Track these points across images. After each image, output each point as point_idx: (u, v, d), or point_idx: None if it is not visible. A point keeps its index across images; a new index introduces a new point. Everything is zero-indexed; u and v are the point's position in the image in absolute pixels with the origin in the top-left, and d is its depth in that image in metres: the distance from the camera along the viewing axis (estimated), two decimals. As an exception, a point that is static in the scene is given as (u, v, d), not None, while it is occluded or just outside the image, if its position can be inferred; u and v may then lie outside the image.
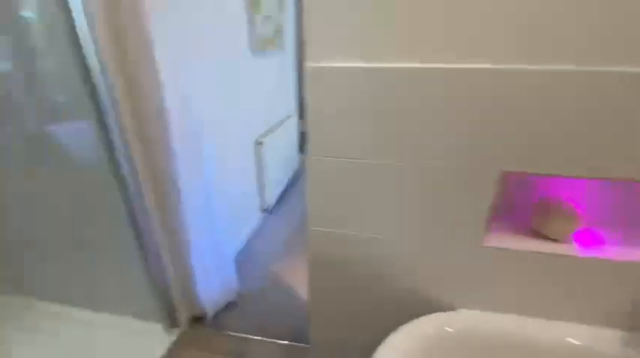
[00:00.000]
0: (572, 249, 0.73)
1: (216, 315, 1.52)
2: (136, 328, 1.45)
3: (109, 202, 1.15)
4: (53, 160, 1.20)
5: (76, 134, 1.12)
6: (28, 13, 1.00)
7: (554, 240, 0.76)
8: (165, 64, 0.96)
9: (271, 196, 2.37)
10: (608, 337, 0.75)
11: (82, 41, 0.86)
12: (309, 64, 0.67)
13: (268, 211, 2.39)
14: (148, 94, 1.00)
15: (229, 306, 1.57)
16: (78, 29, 0.85)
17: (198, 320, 1.49)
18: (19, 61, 1.07)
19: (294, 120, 2.76)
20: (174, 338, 1.41)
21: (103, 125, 0.98)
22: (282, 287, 1.73)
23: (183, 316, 1.45)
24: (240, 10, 1.73)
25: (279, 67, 2.46)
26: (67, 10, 0.83)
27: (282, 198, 2.60)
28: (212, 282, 1.43)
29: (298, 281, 1.75)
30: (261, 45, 1.98)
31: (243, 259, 1.91)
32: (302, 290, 1.68)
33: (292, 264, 1.89)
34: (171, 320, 1.41)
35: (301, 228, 2.22)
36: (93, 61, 0.89)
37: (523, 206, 0.82)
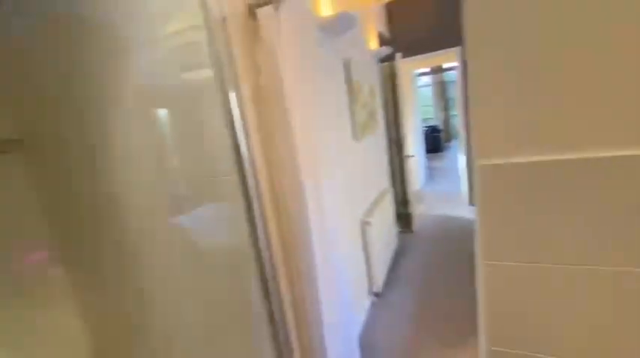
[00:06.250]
0: None
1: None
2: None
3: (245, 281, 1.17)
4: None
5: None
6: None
7: None
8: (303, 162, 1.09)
9: (379, 279, 2.18)
10: None
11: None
12: (481, 162, 0.66)
13: (377, 295, 2.18)
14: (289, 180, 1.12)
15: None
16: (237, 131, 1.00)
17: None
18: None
19: (389, 197, 2.72)
20: None
21: (248, 206, 1.05)
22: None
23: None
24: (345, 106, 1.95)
25: (375, 146, 2.58)
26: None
27: (388, 280, 2.36)
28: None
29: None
30: (361, 130, 2.12)
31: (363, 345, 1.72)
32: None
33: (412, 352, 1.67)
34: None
35: (415, 314, 1.98)
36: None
37: None
